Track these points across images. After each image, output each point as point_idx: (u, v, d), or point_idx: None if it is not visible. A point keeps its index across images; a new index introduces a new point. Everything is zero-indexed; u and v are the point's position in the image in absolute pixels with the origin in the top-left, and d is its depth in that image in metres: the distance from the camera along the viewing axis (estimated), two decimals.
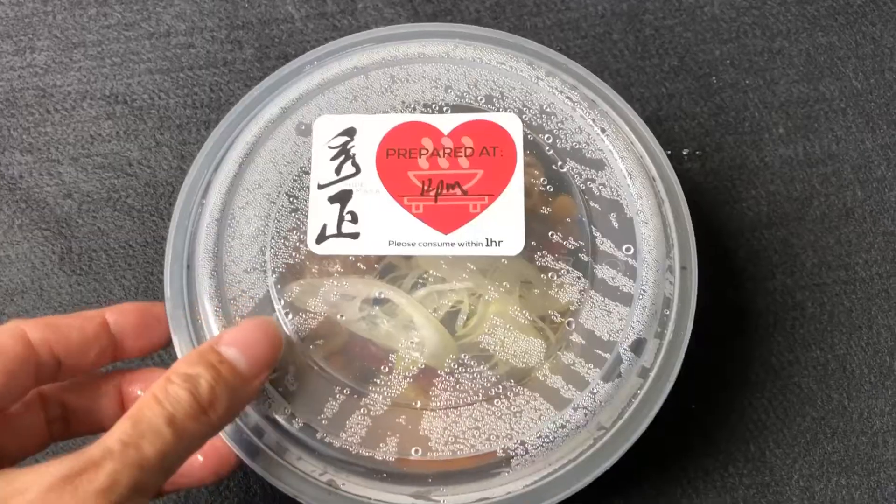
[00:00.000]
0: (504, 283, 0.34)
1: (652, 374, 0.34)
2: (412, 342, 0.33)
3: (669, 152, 0.38)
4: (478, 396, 0.33)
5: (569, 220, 0.35)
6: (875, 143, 0.44)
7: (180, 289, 0.35)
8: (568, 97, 0.37)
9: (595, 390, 0.33)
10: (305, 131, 0.37)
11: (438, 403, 0.33)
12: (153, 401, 0.28)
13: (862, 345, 0.41)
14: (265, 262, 0.35)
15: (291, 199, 0.36)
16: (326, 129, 0.37)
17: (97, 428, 0.34)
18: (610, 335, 0.34)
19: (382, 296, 0.34)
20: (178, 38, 0.46)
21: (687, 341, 0.35)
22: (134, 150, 0.44)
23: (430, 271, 0.34)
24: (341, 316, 0.34)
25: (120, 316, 0.33)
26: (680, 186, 0.37)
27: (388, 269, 0.35)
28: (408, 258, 0.35)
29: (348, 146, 0.36)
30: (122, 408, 0.34)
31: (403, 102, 0.37)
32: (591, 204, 0.36)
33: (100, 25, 0.47)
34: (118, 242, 0.43)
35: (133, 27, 0.47)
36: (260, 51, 0.46)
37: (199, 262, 0.35)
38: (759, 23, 0.47)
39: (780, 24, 0.46)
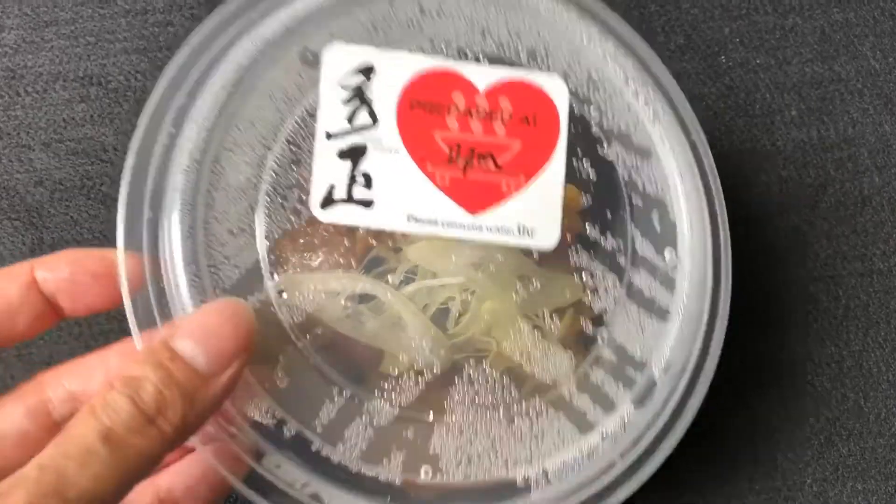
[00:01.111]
0: (507, 279, 0.31)
1: (676, 397, 0.31)
2: (401, 342, 0.31)
3: None
4: (497, 413, 0.30)
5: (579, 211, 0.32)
6: (894, 127, 0.43)
7: (139, 247, 0.28)
8: (620, 66, 0.32)
9: (624, 415, 0.30)
10: (312, 62, 0.30)
11: (452, 418, 0.30)
12: (88, 413, 0.24)
13: (879, 341, 0.40)
14: (254, 223, 0.29)
15: (293, 147, 0.30)
16: (338, 63, 0.30)
17: None
18: (642, 353, 0.31)
19: (367, 292, 0.31)
20: (155, 16, 0.44)
21: (715, 366, 0.32)
22: (109, 135, 0.42)
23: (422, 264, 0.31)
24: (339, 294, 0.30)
25: (52, 271, 0.28)
26: (720, 187, 0.33)
27: (374, 262, 0.31)
28: (397, 251, 0.32)
29: (364, 88, 0.30)
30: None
31: (432, 42, 0.31)
32: (634, 200, 0.32)
33: (73, 3, 0.44)
34: (92, 233, 0.41)
35: (108, 4, 0.44)
36: None
37: (167, 212, 0.28)
38: None
39: (793, 0, 0.44)
